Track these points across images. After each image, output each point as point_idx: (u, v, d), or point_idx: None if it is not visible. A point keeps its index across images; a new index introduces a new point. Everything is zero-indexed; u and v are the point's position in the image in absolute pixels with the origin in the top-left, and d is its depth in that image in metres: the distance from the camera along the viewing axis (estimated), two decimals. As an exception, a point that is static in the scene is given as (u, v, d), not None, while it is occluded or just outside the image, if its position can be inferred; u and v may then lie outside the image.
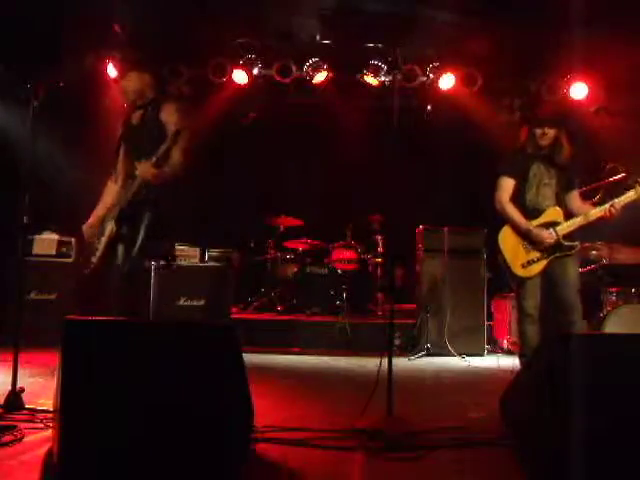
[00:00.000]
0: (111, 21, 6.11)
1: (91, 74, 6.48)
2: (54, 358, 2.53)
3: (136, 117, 3.59)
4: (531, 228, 3.75)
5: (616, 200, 3.74)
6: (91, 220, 3.63)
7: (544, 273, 3.77)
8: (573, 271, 3.78)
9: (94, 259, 3.54)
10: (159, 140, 3.44)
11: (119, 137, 3.63)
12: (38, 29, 5.49)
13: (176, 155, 3.43)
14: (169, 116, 3.54)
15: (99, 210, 3.63)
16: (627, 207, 3.76)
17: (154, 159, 3.35)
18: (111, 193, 3.62)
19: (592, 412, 2.13)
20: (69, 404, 2.13)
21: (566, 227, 3.78)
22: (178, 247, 6.38)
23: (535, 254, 3.76)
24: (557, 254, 3.75)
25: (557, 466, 2.19)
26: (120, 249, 3.48)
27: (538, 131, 3.78)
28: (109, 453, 2.05)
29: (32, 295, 5.37)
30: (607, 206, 3.73)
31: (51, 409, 2.73)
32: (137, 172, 3.37)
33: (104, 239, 3.51)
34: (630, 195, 3.74)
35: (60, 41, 5.66)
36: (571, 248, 3.76)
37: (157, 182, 3.41)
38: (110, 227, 3.49)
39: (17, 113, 3.45)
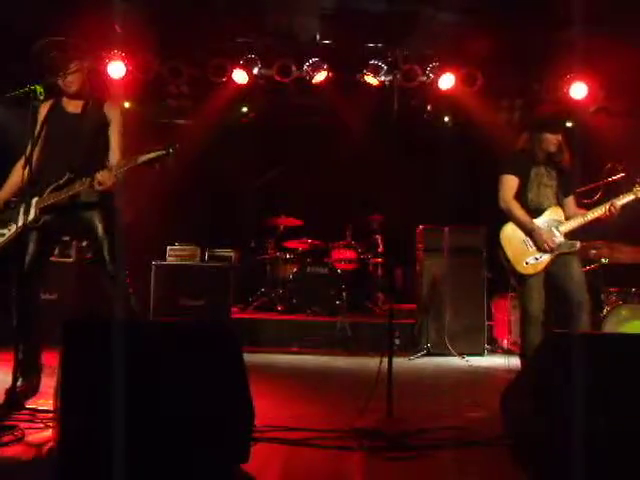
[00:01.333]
0: (111, 21, 6.11)
1: (90, 74, 6.48)
2: (54, 358, 2.53)
3: (73, 105, 3.46)
4: (536, 228, 3.77)
5: (615, 200, 3.77)
6: None
7: (547, 272, 3.78)
8: (576, 266, 3.81)
9: None
10: (99, 133, 3.43)
11: (42, 121, 3.39)
12: (37, 28, 5.49)
13: (122, 161, 3.33)
14: (114, 115, 3.49)
15: (3, 193, 3.45)
16: (626, 207, 3.78)
17: (115, 169, 3.24)
18: (18, 177, 3.34)
19: (592, 412, 2.13)
20: (69, 404, 2.13)
21: (567, 226, 3.81)
22: (178, 247, 6.39)
23: (537, 252, 3.78)
24: (559, 252, 3.77)
25: (557, 466, 2.19)
26: (32, 241, 3.33)
27: (549, 137, 3.80)
28: (109, 452, 2.05)
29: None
30: (606, 206, 3.75)
31: (51, 409, 2.73)
32: (98, 178, 3.19)
33: (17, 226, 3.31)
34: (629, 195, 3.76)
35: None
36: (573, 246, 3.80)
37: (112, 189, 3.31)
38: (29, 216, 3.25)
39: (16, 112, 3.42)
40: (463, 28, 6.23)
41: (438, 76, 6.88)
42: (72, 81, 3.39)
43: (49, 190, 3.30)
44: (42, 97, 3.13)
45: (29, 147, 3.33)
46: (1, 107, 5.57)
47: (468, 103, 7.06)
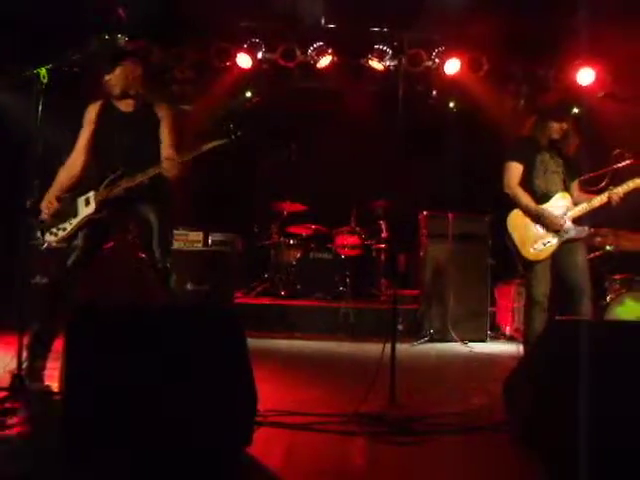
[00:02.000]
0: (115, 5, 6.06)
1: (96, 59, 6.44)
2: (59, 342, 2.54)
3: (125, 105, 3.52)
4: (542, 211, 3.78)
5: (619, 188, 3.76)
6: (48, 198, 3.44)
7: (553, 258, 3.79)
8: (582, 255, 3.82)
9: (54, 236, 3.42)
10: (153, 131, 3.49)
11: (94, 120, 3.49)
12: (42, 13, 5.46)
13: (187, 150, 3.43)
14: (165, 114, 3.56)
15: (54, 190, 3.47)
16: (631, 194, 3.77)
17: (180, 157, 3.35)
18: (66, 175, 3.50)
19: (595, 398, 2.13)
20: (73, 388, 2.14)
21: (574, 212, 3.81)
22: (181, 232, 6.39)
23: (545, 237, 3.78)
24: (566, 238, 3.78)
25: (560, 452, 2.20)
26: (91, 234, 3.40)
27: (554, 125, 3.79)
28: (113, 437, 2.07)
29: (36, 279, 5.39)
30: (609, 194, 3.76)
31: (57, 392, 2.75)
32: (164, 167, 3.32)
33: (77, 220, 3.39)
34: (631, 183, 3.76)
35: (65, 25, 5.62)
36: (580, 232, 3.82)
37: (173, 178, 3.41)
38: (90, 209, 3.37)
39: (22, 98, 3.41)
40: (469, 13, 6.16)
41: (444, 61, 6.83)
42: (115, 84, 3.45)
43: (105, 184, 3.35)
44: (45, 80, 3.13)
45: (81, 142, 3.47)
46: (7, 92, 5.54)
47: (474, 88, 7.01)
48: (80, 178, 3.50)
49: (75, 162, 3.51)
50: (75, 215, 3.40)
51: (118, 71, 3.44)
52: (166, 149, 3.49)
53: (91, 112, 3.51)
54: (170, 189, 3.56)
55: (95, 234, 3.42)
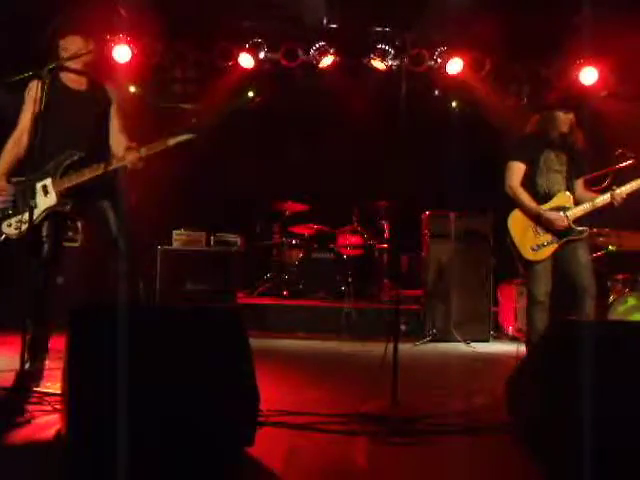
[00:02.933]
0: (116, 4, 6.06)
1: (95, 58, 6.45)
2: (62, 341, 2.54)
3: (74, 82, 3.35)
4: (542, 212, 3.77)
5: (622, 188, 3.75)
6: None
7: (554, 258, 3.78)
8: (584, 254, 3.81)
9: (15, 229, 3.18)
10: (105, 114, 3.36)
11: (39, 97, 3.15)
12: (41, 12, 5.46)
13: (153, 143, 3.26)
14: (115, 91, 3.45)
15: (1, 169, 3.27)
16: (634, 194, 3.76)
17: (145, 150, 3.19)
18: (11, 153, 3.29)
19: (598, 398, 2.13)
20: (76, 387, 2.14)
21: (576, 212, 3.79)
22: (184, 232, 6.40)
23: (545, 238, 3.78)
24: (567, 238, 3.77)
25: (563, 452, 2.19)
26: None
27: (561, 116, 3.77)
28: (116, 435, 2.07)
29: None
30: (612, 193, 3.74)
31: (59, 392, 2.75)
32: (126, 158, 3.17)
33: (38, 211, 3.17)
34: (634, 183, 3.75)
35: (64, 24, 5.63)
36: (581, 233, 3.79)
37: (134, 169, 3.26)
38: (50, 199, 3.18)
39: (20, 97, 3.37)
40: (472, 12, 6.15)
41: (446, 61, 6.82)
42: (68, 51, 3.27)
43: (62, 169, 3.19)
44: (47, 80, 3.10)
45: (24, 122, 3.26)
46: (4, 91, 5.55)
47: (476, 88, 7.00)
48: (24, 159, 3.27)
49: (19, 142, 3.30)
50: (35, 205, 3.15)
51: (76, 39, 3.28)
52: (116, 135, 3.36)
53: (33, 89, 3.23)
54: (124, 179, 3.42)
55: (60, 225, 3.30)
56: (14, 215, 3.21)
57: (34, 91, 3.20)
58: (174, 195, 7.04)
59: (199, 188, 7.53)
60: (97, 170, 3.18)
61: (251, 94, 7.72)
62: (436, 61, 6.87)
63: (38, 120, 3.14)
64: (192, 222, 6.60)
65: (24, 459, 2.23)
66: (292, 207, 7.37)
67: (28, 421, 2.57)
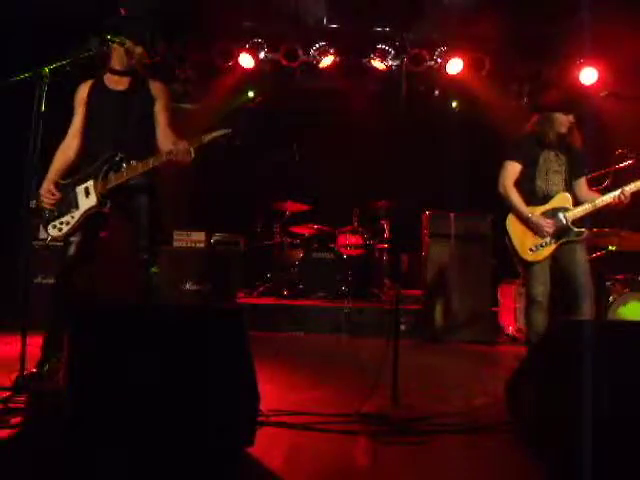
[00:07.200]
0: (116, 4, 6.06)
1: (97, 59, 6.46)
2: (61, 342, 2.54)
3: (116, 83, 3.40)
4: (530, 216, 3.76)
5: (626, 187, 3.73)
6: (46, 185, 3.34)
7: (553, 259, 3.77)
8: (582, 256, 3.79)
9: (58, 230, 3.28)
10: (148, 113, 3.39)
11: (85, 102, 3.36)
12: (44, 14, 5.47)
13: (191, 139, 3.29)
14: (160, 92, 3.47)
15: (51, 176, 3.37)
16: (637, 194, 3.75)
17: (189, 145, 3.20)
18: (62, 159, 3.39)
19: (598, 398, 2.13)
20: (75, 388, 2.14)
21: (575, 213, 3.78)
22: (185, 231, 6.40)
23: (543, 238, 3.76)
24: (565, 239, 3.75)
25: (563, 452, 2.19)
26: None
27: (561, 117, 3.76)
28: (115, 436, 2.07)
29: (39, 279, 5.41)
30: (617, 193, 3.72)
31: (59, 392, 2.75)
32: (173, 151, 3.16)
33: (79, 213, 3.26)
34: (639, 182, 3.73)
35: (66, 25, 5.63)
36: (579, 234, 3.77)
37: (188, 165, 3.29)
38: (91, 201, 3.26)
39: (24, 98, 3.38)
40: (472, 12, 6.16)
41: (446, 61, 6.83)
42: (121, 57, 3.38)
43: (103, 172, 3.24)
44: (47, 80, 3.11)
45: (75, 125, 3.36)
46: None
47: (476, 88, 7.01)
48: (75, 163, 3.38)
49: (70, 146, 3.39)
50: (76, 207, 3.28)
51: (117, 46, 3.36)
52: (163, 130, 3.39)
53: (81, 93, 3.39)
54: (159, 178, 3.46)
55: (95, 225, 3.33)
56: (58, 217, 3.32)
57: (81, 94, 3.37)
58: (174, 195, 7.04)
59: (199, 188, 7.54)
60: (138, 168, 3.23)
61: (251, 94, 7.73)
62: (436, 61, 6.87)
63: (86, 123, 3.33)
64: (192, 222, 6.60)
65: (24, 459, 2.23)
66: (292, 207, 7.37)
67: (27, 421, 2.57)
